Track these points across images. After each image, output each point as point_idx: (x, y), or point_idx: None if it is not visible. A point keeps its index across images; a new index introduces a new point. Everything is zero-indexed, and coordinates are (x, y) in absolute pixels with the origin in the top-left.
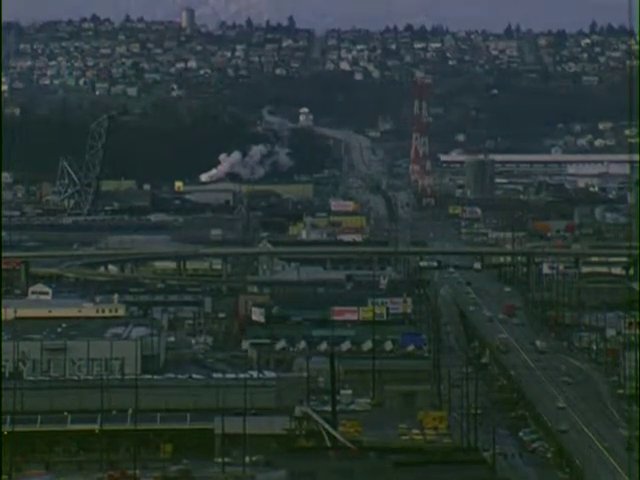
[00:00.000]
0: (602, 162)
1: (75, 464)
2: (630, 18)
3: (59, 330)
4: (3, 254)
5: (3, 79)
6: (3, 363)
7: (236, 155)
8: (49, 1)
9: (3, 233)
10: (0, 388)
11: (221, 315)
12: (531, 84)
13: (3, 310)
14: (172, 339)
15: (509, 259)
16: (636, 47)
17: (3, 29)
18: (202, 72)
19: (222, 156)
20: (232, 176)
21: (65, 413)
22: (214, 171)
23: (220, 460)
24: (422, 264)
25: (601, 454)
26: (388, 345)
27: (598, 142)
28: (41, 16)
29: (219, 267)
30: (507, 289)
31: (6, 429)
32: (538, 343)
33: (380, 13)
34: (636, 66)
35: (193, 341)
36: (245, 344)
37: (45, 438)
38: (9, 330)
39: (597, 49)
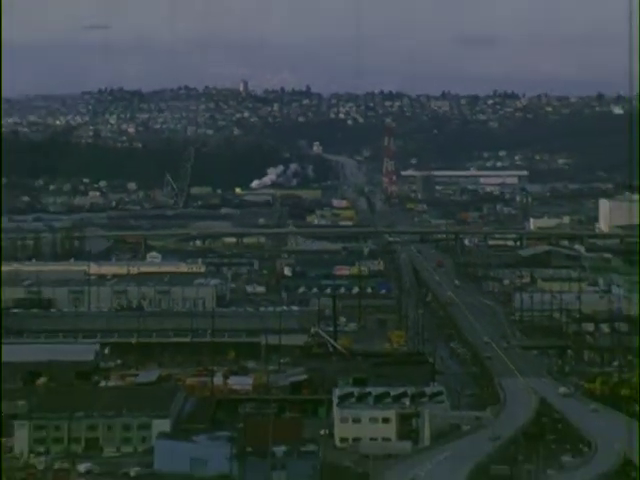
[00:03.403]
0: (500, 176)
1: (175, 365)
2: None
3: (165, 280)
4: (130, 233)
5: (134, 128)
6: (132, 300)
7: (280, 168)
8: (158, 75)
9: (132, 221)
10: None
11: (264, 272)
12: (457, 127)
13: (131, 268)
14: (234, 286)
15: (444, 236)
16: (520, 105)
17: (132, 95)
18: (252, 120)
19: (270, 169)
20: (275, 184)
21: (170, 331)
22: (265, 179)
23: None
24: (390, 239)
25: (500, 354)
26: (369, 290)
27: (498, 164)
28: (153, 86)
29: (263, 241)
30: (442, 255)
31: (133, 340)
32: (457, 281)
33: (364, 82)
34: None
35: (248, 288)
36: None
37: (157, 347)
38: (135, 280)
39: (497, 106)
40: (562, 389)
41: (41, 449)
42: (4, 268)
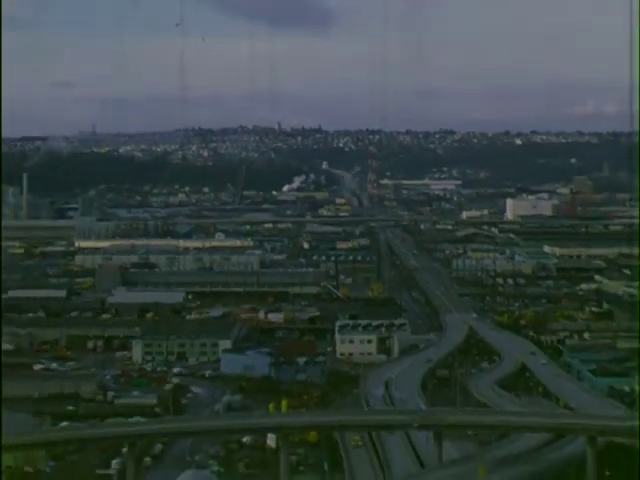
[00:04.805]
0: (443, 184)
1: (234, 305)
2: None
3: (227, 251)
4: (205, 221)
5: (207, 152)
6: (206, 264)
7: (302, 176)
8: (224, 118)
9: (205, 212)
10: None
11: (291, 245)
12: (416, 152)
13: (205, 243)
14: (271, 255)
15: (407, 223)
16: (457, 138)
17: (206, 131)
18: (283, 147)
19: (295, 179)
20: (299, 188)
21: (230, 284)
22: (292, 185)
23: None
24: (372, 225)
25: (443, 300)
26: (359, 257)
27: (442, 176)
28: (220, 125)
29: (290, 226)
30: (406, 235)
31: (207, 289)
32: (415, 251)
33: (355, 123)
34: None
35: (280, 256)
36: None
37: (222, 294)
38: (208, 251)
39: (442, 139)
40: (474, 315)
41: (149, 358)
42: (125, 242)
